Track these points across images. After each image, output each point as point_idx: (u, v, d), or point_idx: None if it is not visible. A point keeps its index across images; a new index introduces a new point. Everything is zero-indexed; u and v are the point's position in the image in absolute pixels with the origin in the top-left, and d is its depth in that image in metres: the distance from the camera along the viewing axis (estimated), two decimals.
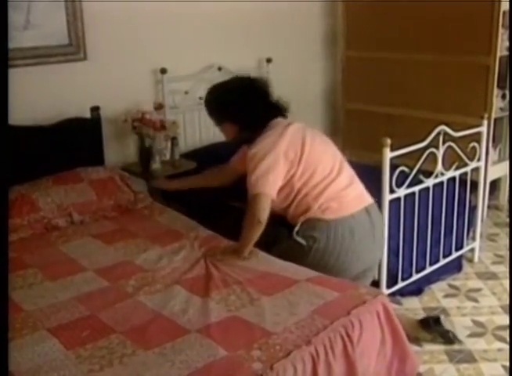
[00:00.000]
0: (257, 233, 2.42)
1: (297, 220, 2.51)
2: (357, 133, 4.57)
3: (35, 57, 3.14)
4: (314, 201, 2.48)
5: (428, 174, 2.99)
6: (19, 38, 3.07)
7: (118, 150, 3.51)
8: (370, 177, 2.97)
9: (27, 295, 2.15)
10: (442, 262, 3.21)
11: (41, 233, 2.74)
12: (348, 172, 2.62)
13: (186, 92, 3.74)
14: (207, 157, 3.51)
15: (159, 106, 3.44)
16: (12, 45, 3.04)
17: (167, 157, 3.47)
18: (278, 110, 2.65)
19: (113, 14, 3.34)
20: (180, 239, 2.64)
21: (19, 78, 3.10)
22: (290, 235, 2.50)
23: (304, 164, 2.48)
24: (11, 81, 3.05)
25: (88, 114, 3.29)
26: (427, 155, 2.89)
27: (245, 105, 2.58)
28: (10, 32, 3.03)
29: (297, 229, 2.49)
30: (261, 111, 2.59)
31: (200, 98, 3.77)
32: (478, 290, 3.16)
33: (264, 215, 2.40)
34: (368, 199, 2.61)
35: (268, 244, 2.51)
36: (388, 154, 2.71)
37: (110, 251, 2.54)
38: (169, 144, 3.45)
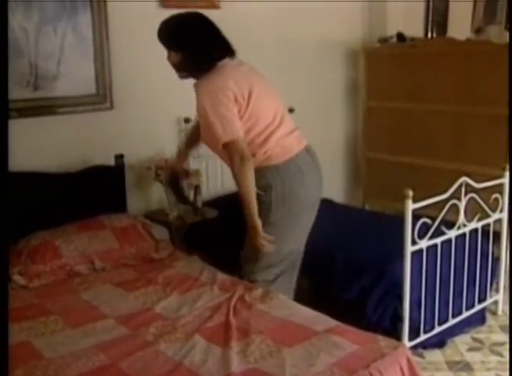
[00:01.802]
0: (251, 171, 2.48)
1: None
2: (378, 182, 4.58)
3: (64, 106, 3.24)
4: (259, 149, 2.57)
5: (450, 225, 2.98)
6: (49, 88, 3.19)
7: (141, 198, 3.56)
8: (392, 227, 2.98)
9: (49, 342, 2.16)
10: (465, 314, 3.16)
11: (63, 280, 2.76)
12: (289, 122, 2.71)
13: None
14: (229, 205, 3.53)
15: None
16: (42, 94, 3.16)
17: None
18: (228, 50, 2.66)
19: (139, 65, 3.44)
20: (199, 286, 2.64)
21: (48, 126, 3.20)
22: None
23: (250, 110, 2.54)
24: (40, 128, 3.17)
25: (112, 162, 3.36)
26: (450, 206, 2.88)
27: (200, 35, 2.59)
28: (42, 82, 3.16)
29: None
30: (214, 45, 2.60)
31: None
32: (503, 343, 3.10)
33: (245, 151, 2.47)
34: (305, 141, 2.74)
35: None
36: (410, 206, 2.71)
37: (131, 298, 2.55)
38: (192, 192, 3.49)
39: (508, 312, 3.07)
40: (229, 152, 2.49)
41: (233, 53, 2.68)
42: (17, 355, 2.06)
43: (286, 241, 2.70)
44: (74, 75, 3.24)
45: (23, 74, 3.10)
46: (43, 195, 3.12)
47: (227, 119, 2.48)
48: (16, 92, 3.06)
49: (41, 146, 3.20)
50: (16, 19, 3.01)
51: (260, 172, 2.57)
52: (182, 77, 2.70)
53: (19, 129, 3.09)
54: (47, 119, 3.18)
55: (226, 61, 2.62)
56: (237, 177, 2.50)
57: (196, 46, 2.59)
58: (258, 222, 2.53)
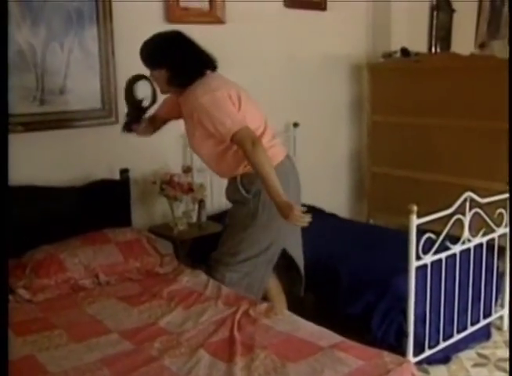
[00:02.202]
0: (264, 151, 2.54)
1: (234, 172, 2.73)
2: (382, 197, 4.58)
3: (70, 121, 3.26)
4: None
5: (455, 239, 2.97)
6: (55, 102, 3.21)
7: (145, 212, 3.57)
8: (396, 242, 2.97)
9: (53, 357, 2.15)
10: (470, 329, 3.15)
11: (68, 294, 2.76)
12: (272, 130, 2.82)
13: None
14: None
15: (187, 169, 3.51)
16: (48, 108, 3.18)
17: (194, 219, 3.51)
18: (209, 62, 2.76)
19: None
20: (204, 300, 2.63)
21: (53, 140, 3.22)
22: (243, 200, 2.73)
23: (240, 112, 2.63)
24: (45, 143, 3.19)
25: (117, 176, 3.37)
26: (454, 221, 2.88)
27: (183, 50, 2.70)
28: (48, 96, 3.19)
29: (239, 180, 2.71)
30: (195, 59, 2.71)
31: None
32: (508, 359, 3.08)
33: (255, 135, 2.58)
34: (286, 149, 2.91)
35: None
36: (415, 221, 2.71)
37: (135, 313, 2.54)
38: (196, 206, 3.49)
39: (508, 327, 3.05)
40: (240, 140, 2.55)
41: (215, 67, 2.79)
42: (21, 369, 2.06)
43: (266, 236, 2.79)
44: (80, 90, 3.26)
45: (29, 88, 3.13)
46: (48, 209, 3.13)
47: (231, 111, 2.59)
48: (23, 106, 3.09)
49: (47, 160, 3.21)
50: (23, 35, 3.04)
51: (249, 178, 2.69)
52: (163, 92, 2.84)
53: (25, 143, 3.11)
54: (53, 133, 3.20)
55: (209, 73, 2.74)
56: (254, 160, 2.53)
57: (179, 61, 2.69)
58: (286, 197, 2.50)
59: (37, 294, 2.71)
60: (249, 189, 2.72)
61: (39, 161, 3.18)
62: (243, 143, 2.54)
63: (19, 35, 3.03)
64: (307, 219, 2.51)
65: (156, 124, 3.01)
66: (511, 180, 3.10)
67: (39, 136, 3.16)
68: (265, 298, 2.87)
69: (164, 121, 3.03)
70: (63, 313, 2.55)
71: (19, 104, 3.07)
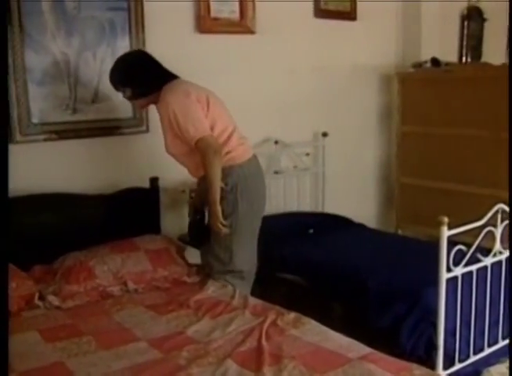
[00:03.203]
0: (220, 162, 2.78)
1: None
2: (411, 208, 4.54)
3: (101, 129, 3.31)
4: (223, 147, 2.84)
5: (486, 251, 2.93)
6: (87, 111, 3.26)
7: (175, 220, 3.58)
8: (425, 254, 2.94)
9: (81, 363, 2.17)
10: (501, 343, 3.09)
11: (96, 301, 2.78)
12: (239, 130, 3.01)
13: None
14: (262, 228, 3.53)
15: None
16: (80, 117, 3.23)
17: None
18: (171, 74, 2.95)
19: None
20: (231, 310, 2.64)
21: (85, 148, 3.26)
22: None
23: (211, 113, 2.83)
24: (77, 150, 3.24)
25: (147, 184, 3.40)
26: (485, 233, 2.84)
27: (147, 68, 2.94)
28: (80, 105, 3.24)
29: None
30: (159, 73, 2.94)
31: None
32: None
33: (216, 144, 2.78)
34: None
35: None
36: (446, 233, 2.67)
37: (163, 321, 2.55)
38: None
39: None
40: (203, 147, 2.75)
41: (176, 76, 2.97)
42: (50, 375, 2.08)
43: (248, 221, 3.00)
44: (112, 99, 3.30)
45: (62, 97, 3.18)
46: (78, 216, 3.18)
47: (196, 118, 2.77)
48: (56, 115, 3.16)
49: (78, 168, 3.26)
50: (58, 45, 3.10)
51: (225, 172, 2.83)
52: (142, 107, 3.15)
53: (58, 151, 3.17)
54: (85, 141, 3.24)
55: (174, 81, 2.92)
56: (209, 167, 2.76)
57: (143, 76, 2.93)
58: (219, 208, 2.81)
59: (66, 300, 2.73)
60: (226, 181, 2.86)
61: (71, 169, 3.23)
62: (206, 151, 2.75)
63: (54, 46, 3.09)
64: (224, 230, 2.85)
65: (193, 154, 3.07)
66: (511, 181, 3.05)
67: (71, 144, 3.22)
68: None
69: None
70: (92, 320, 2.57)
71: (52, 113, 3.14)
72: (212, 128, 2.83)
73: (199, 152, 2.78)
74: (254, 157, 3.05)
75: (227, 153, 2.87)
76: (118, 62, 2.98)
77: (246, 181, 2.93)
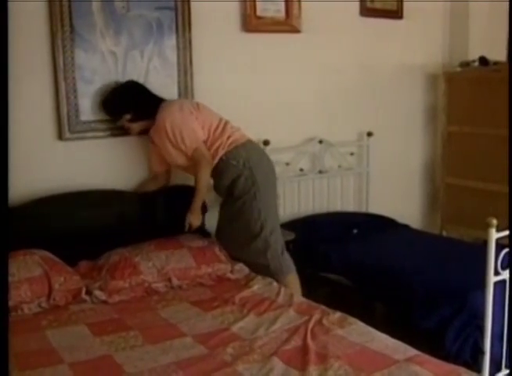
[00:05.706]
0: (209, 172, 3.10)
1: (215, 159, 3.12)
2: (457, 209, 4.47)
3: None
4: (221, 137, 3.12)
5: None
6: None
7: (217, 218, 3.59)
8: (471, 256, 2.90)
9: (129, 357, 2.20)
10: None
11: (142, 297, 2.81)
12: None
13: (287, 164, 3.83)
14: (305, 228, 3.54)
15: None
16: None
17: None
18: (160, 99, 3.19)
19: (221, 88, 3.51)
20: (276, 308, 2.64)
21: (132, 146, 3.32)
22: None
23: (202, 116, 3.13)
24: (125, 148, 3.29)
25: (191, 182, 3.42)
26: None
27: (144, 92, 3.19)
28: None
29: (226, 159, 3.11)
30: (154, 96, 3.19)
31: (301, 169, 3.87)
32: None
33: (208, 156, 3.09)
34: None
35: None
36: (494, 235, 2.62)
37: (208, 317, 2.57)
38: None
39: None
40: (198, 156, 3.07)
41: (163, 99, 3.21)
42: (100, 368, 2.12)
43: (269, 195, 3.23)
44: None
45: None
46: (123, 213, 3.21)
47: (191, 129, 3.06)
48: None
49: (126, 165, 3.32)
50: (107, 44, 3.15)
51: (233, 152, 3.12)
52: (135, 133, 3.23)
53: (106, 148, 3.23)
54: (132, 139, 3.28)
55: (164, 102, 3.17)
56: (201, 174, 3.07)
57: (143, 99, 3.16)
58: (200, 215, 3.20)
59: (112, 295, 2.77)
60: (237, 160, 3.11)
61: (118, 166, 3.28)
62: (201, 160, 3.06)
63: (103, 44, 3.14)
64: (197, 222, 3.19)
65: (161, 179, 3.37)
66: (511, 180, 2.97)
67: (118, 142, 3.27)
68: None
69: (167, 172, 3.37)
70: (138, 315, 2.60)
71: (101, 111, 3.18)
72: (210, 125, 3.13)
73: (194, 160, 3.08)
74: (250, 140, 3.25)
75: (228, 137, 3.14)
76: (115, 91, 3.17)
77: (253, 156, 3.17)
